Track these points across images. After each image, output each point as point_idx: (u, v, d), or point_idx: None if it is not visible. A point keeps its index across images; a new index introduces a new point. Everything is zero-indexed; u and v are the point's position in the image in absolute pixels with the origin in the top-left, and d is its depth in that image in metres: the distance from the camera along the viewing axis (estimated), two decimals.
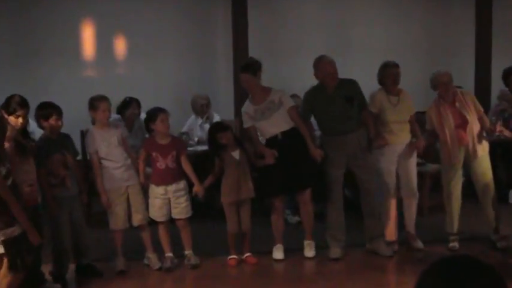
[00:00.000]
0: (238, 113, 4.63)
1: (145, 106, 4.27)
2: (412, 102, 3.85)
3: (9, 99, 3.23)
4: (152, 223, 3.79)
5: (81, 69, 5.27)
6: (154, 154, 3.61)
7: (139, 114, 4.62)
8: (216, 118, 4.98)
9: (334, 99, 3.68)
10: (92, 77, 5.30)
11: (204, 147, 4.50)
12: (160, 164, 3.59)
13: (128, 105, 4.61)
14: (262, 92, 3.71)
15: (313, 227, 3.83)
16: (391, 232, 3.83)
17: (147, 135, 4.03)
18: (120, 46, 5.29)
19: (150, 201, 3.68)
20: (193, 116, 5.01)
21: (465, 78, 4.99)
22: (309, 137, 3.71)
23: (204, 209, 4.34)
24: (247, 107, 3.76)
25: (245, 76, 3.67)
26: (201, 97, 4.96)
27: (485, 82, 5.16)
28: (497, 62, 5.06)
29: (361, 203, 3.83)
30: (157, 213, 3.65)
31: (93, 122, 3.71)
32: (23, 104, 3.24)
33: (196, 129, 4.94)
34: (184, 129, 4.96)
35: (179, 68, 5.40)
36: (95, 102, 3.57)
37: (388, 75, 3.74)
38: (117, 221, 3.64)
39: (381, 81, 3.80)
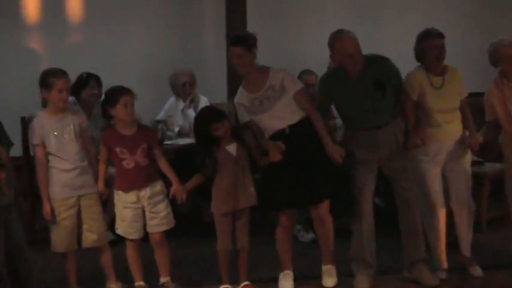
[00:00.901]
0: (232, 94, 4.54)
1: (108, 84, 4.06)
2: (462, 82, 3.73)
3: None
4: (118, 241, 3.72)
5: (21, 36, 5.20)
6: (118, 149, 3.50)
7: (99, 95, 4.49)
8: (203, 102, 4.90)
9: (359, 86, 3.58)
10: (35, 46, 5.21)
11: (188, 140, 4.44)
12: (128, 162, 3.49)
13: (85, 83, 4.50)
14: (258, 74, 3.63)
15: (334, 247, 3.71)
16: (437, 254, 3.75)
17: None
18: (73, 6, 5.26)
19: (118, 213, 3.58)
20: (172, 99, 4.96)
21: None
22: (324, 131, 3.60)
23: (188, 223, 4.30)
24: (241, 95, 3.67)
25: (236, 50, 3.55)
26: (183, 73, 4.90)
27: None
28: None
29: (398, 217, 3.73)
30: (128, 228, 3.54)
31: (45, 105, 3.58)
32: None
33: (177, 115, 4.88)
34: (160, 116, 4.89)
35: (154, 35, 5.35)
36: (50, 78, 3.44)
37: (430, 48, 3.61)
38: (60, 240, 3.52)
39: (419, 57, 3.68)
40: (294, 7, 5.42)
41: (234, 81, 4.66)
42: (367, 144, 3.61)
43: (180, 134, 4.73)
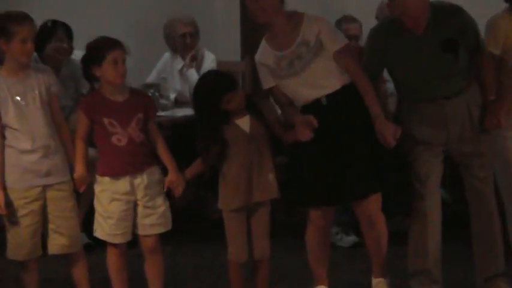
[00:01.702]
0: (247, 50, 4.90)
1: (81, 37, 4.18)
2: None
3: None
4: (95, 246, 3.84)
5: None
6: (107, 121, 3.43)
7: (69, 50, 4.58)
8: (209, 60, 5.05)
9: (424, 44, 3.55)
10: None
11: (187, 111, 4.52)
12: (120, 137, 3.44)
13: (50, 34, 4.54)
14: (287, 24, 3.58)
15: (386, 254, 3.70)
16: None
17: (84, 91, 4.11)
18: None
19: (101, 208, 3.51)
20: (167, 55, 5.10)
21: None
22: (375, 102, 3.54)
23: (187, 222, 4.47)
24: (264, 53, 3.65)
25: None
26: (182, 21, 5.01)
27: None
28: None
29: (470, 216, 3.72)
30: (115, 228, 3.46)
31: (0, 60, 3.59)
32: None
33: (174, 78, 5.04)
34: (150, 78, 5.02)
35: None
36: (10, 25, 3.41)
37: None
38: (20, 245, 3.48)
39: None
40: None
41: (250, 33, 4.76)
42: (432, 119, 3.55)
43: (178, 103, 4.80)
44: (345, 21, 4.73)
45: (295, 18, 3.56)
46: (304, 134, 3.43)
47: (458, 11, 3.56)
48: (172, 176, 3.48)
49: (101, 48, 3.42)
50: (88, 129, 3.49)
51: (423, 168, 3.57)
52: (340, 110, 3.55)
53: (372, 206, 3.56)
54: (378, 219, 3.59)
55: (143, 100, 3.60)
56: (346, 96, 3.56)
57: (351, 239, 4.35)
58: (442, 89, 3.54)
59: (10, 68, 3.43)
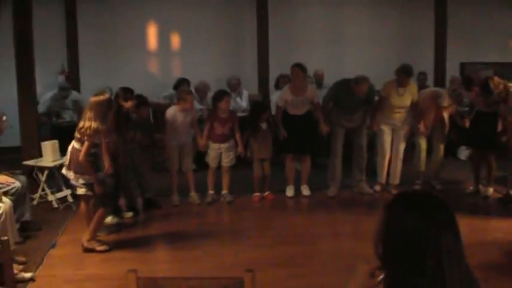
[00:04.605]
0: (261, 88, 10.95)
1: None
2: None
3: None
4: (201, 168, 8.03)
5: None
6: None
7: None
8: (245, 93, 10.42)
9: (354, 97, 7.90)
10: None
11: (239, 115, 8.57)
12: None
13: (180, 83, 9.87)
14: (303, 86, 7.63)
15: (309, 175, 8.13)
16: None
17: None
18: (175, 42, 11.83)
19: None
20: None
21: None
22: (321, 115, 7.78)
23: (238, 162, 8.43)
24: (287, 93, 7.76)
25: (296, 70, 7.79)
26: (234, 78, 10.52)
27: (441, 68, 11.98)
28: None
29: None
30: None
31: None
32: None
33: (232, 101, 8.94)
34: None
35: (218, 56, 11.64)
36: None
37: None
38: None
39: None
40: (296, 37, 11.96)
41: (262, 81, 10.85)
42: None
43: None
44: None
45: (305, 85, 7.84)
46: (283, 137, 7.84)
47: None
48: (240, 147, 7.43)
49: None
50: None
51: (337, 141, 8.55)
52: (304, 117, 7.89)
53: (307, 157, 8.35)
54: (307, 160, 8.58)
55: None
56: (308, 113, 8.01)
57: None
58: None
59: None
